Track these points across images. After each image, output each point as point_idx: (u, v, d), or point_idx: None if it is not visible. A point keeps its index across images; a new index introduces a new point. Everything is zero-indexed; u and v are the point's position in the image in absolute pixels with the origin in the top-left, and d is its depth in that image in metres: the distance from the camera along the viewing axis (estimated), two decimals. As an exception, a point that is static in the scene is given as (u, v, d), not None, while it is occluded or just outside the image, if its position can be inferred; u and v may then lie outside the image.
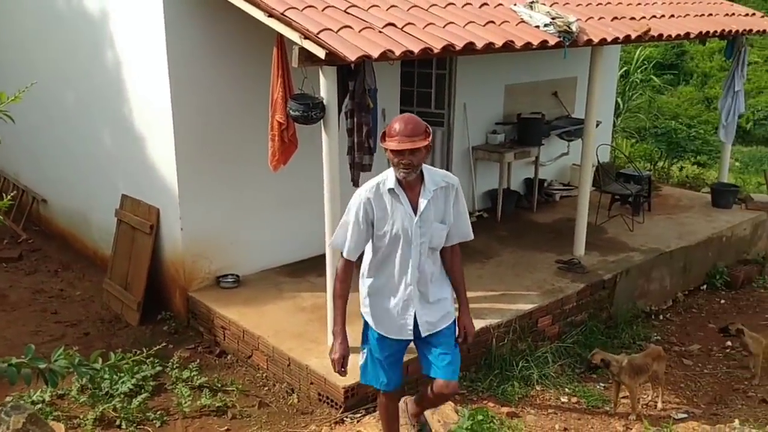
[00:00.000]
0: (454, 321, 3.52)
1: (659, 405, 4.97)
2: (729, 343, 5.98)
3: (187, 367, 5.01)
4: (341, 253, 3.38)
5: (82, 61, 6.33)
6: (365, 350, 3.57)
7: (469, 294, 5.53)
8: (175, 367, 4.98)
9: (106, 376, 4.60)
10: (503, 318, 5.33)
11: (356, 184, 5.25)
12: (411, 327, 3.41)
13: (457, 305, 3.57)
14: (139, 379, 4.70)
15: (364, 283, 3.47)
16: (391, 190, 3.24)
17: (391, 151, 3.13)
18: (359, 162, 5.21)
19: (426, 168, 3.27)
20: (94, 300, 6.15)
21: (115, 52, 5.86)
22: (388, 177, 3.26)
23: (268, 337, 5.04)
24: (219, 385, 4.85)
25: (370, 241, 3.37)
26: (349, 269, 3.39)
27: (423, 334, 3.42)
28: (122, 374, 4.66)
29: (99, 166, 6.52)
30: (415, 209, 3.26)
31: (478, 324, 5.13)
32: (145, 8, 5.28)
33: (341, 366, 3.45)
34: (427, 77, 7.40)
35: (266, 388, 4.92)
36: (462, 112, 7.37)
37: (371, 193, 3.26)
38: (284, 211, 6.06)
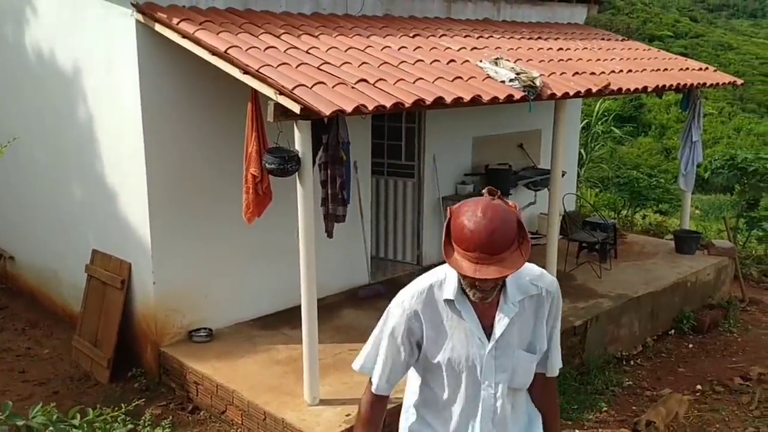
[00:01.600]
0: None
1: None
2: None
3: (159, 424, 4.91)
4: (369, 381, 2.37)
5: (54, 117, 6.36)
6: None
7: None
8: (147, 424, 4.87)
9: (77, 435, 4.50)
10: (478, 366, 5.36)
11: (330, 235, 5.34)
12: None
13: None
14: (110, 438, 4.59)
15: (407, 424, 2.47)
16: (449, 302, 2.22)
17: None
18: (333, 213, 5.30)
19: None
20: (63, 358, 6.03)
21: (87, 108, 5.90)
22: (446, 279, 2.24)
23: (242, 392, 4.98)
24: (192, 442, 4.77)
25: (414, 368, 2.38)
26: (379, 409, 2.38)
27: None
28: (93, 433, 4.55)
29: (69, 221, 6.48)
30: (488, 331, 2.23)
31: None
32: (119, 64, 5.37)
33: None
34: (397, 130, 7.57)
35: (241, 444, 4.85)
36: (432, 164, 7.53)
37: (420, 302, 2.24)
38: (257, 263, 6.07)
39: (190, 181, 5.60)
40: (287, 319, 6.02)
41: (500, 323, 2.21)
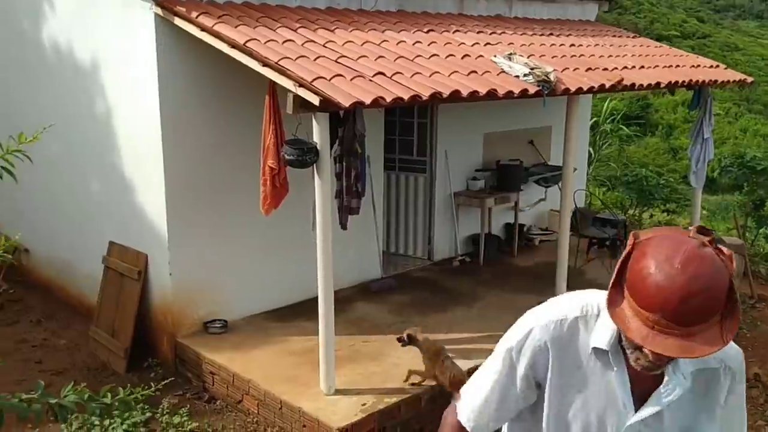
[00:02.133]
0: None
1: None
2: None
3: (177, 413, 4.97)
4: (456, 412, 1.91)
5: (71, 111, 6.41)
6: None
7: (458, 336, 5.72)
8: (165, 413, 4.93)
9: (97, 422, 4.58)
10: (491, 358, 5.40)
11: (344, 227, 5.38)
12: None
13: None
14: (129, 425, 4.65)
15: None
16: (598, 351, 1.69)
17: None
18: (347, 205, 5.34)
19: None
20: (80, 348, 6.09)
21: (105, 102, 5.96)
22: (601, 316, 1.70)
23: (258, 381, 5.04)
24: (210, 430, 4.82)
25: (517, 416, 1.88)
26: None
27: None
28: (113, 420, 4.62)
29: (86, 214, 6.54)
30: (638, 399, 1.70)
31: (468, 364, 5.21)
32: (138, 58, 5.42)
33: None
34: (409, 126, 7.62)
35: (257, 433, 4.90)
36: (443, 159, 7.58)
37: (556, 334, 1.73)
38: (272, 256, 6.12)
39: (207, 174, 5.65)
40: (301, 311, 6.08)
41: (659, 399, 1.67)
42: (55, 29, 6.40)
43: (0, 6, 7.12)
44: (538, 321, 1.76)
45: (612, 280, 1.56)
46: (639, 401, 1.70)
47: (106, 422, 4.61)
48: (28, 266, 7.61)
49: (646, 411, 1.68)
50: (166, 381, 4.93)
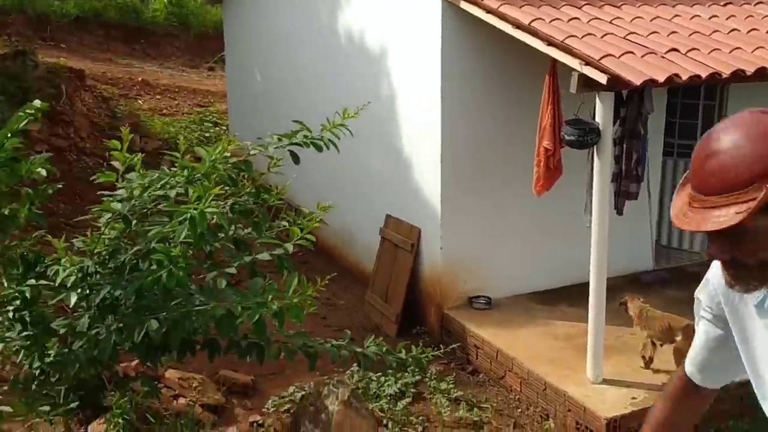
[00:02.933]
0: None
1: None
2: None
3: (444, 380, 5.22)
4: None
5: (359, 95, 6.97)
6: None
7: None
8: (432, 378, 5.22)
9: (374, 378, 5.02)
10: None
11: (620, 212, 5.19)
12: None
13: None
14: (402, 385, 5.01)
15: None
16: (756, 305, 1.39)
17: None
18: (625, 190, 5.15)
19: None
20: (356, 310, 6.69)
21: (390, 85, 6.40)
22: None
23: (522, 360, 5.09)
24: (474, 401, 5.00)
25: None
26: (681, 390, 1.70)
27: None
28: (387, 378, 5.01)
29: (366, 188, 7.10)
30: None
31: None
32: (423, 43, 5.72)
33: None
34: (693, 108, 7.02)
35: (519, 410, 4.97)
36: (732, 146, 6.87)
37: (720, 280, 1.42)
38: (539, 237, 6.10)
39: (480, 155, 5.80)
40: (564, 296, 5.99)
41: None
42: (350, 18, 7.00)
43: None
44: (714, 265, 1.51)
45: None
46: None
47: (382, 379, 5.01)
48: (314, 233, 8.50)
49: None
50: (435, 350, 5.22)
